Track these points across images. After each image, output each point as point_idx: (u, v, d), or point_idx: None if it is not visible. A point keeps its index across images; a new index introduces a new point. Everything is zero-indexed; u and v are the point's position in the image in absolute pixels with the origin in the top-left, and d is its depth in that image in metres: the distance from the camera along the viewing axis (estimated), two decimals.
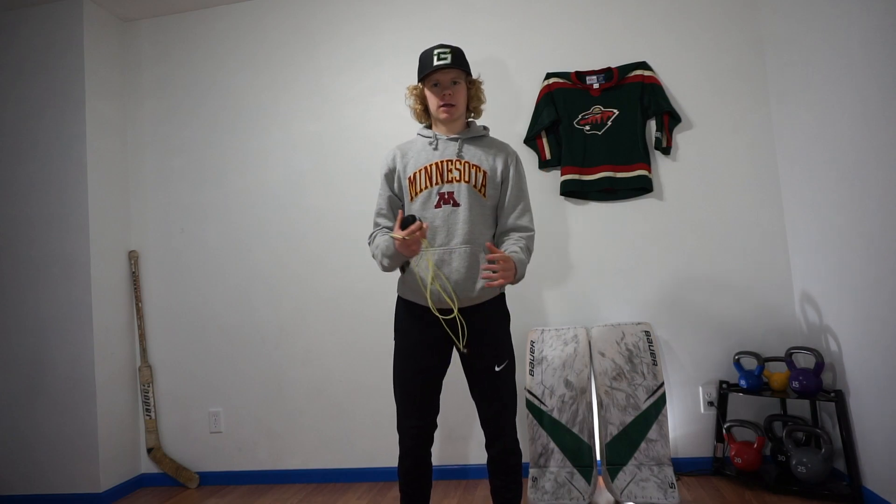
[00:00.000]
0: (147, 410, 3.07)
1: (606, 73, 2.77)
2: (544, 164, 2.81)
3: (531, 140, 2.82)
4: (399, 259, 1.78)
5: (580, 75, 2.78)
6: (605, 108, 2.76)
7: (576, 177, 2.75)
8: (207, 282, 3.10)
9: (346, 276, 2.97)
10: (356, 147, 3.00)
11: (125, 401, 3.03)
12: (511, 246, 1.78)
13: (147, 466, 3.09)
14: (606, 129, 2.75)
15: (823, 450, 2.28)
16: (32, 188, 2.96)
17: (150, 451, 3.04)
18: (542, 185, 2.83)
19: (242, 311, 3.06)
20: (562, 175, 2.77)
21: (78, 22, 2.97)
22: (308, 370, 2.99)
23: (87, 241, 2.89)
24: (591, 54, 2.83)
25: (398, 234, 1.64)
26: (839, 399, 2.25)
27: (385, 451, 2.85)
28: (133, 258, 3.13)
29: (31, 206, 2.95)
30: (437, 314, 1.77)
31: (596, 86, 2.77)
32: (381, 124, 2.98)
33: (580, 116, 2.77)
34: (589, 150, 2.76)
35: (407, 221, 1.65)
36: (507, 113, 2.87)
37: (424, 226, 1.65)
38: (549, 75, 2.81)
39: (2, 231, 2.98)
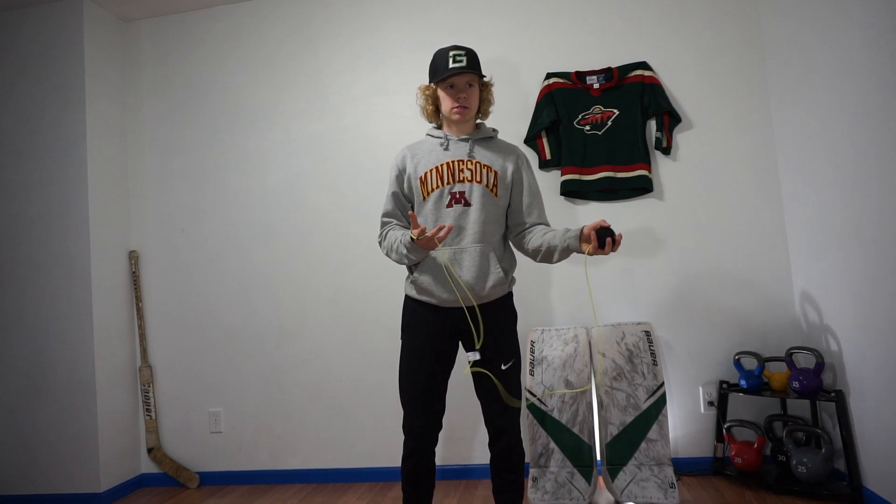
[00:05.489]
0: (147, 410, 3.07)
1: (606, 73, 2.77)
2: (544, 164, 2.81)
3: (531, 140, 2.82)
4: (421, 253, 1.76)
5: (580, 75, 2.78)
6: (605, 108, 2.76)
7: (576, 177, 2.75)
8: (207, 282, 3.10)
9: (346, 276, 2.97)
10: (356, 147, 3.00)
11: (125, 401, 3.03)
12: (554, 232, 1.78)
13: (147, 466, 3.09)
14: (607, 129, 2.75)
15: (823, 450, 2.28)
16: (32, 188, 2.96)
17: (150, 451, 3.04)
18: (542, 185, 2.81)
19: (242, 311, 3.06)
20: (562, 175, 2.77)
21: (78, 22, 2.97)
22: (308, 370, 2.99)
23: (87, 241, 2.89)
24: (591, 54, 2.83)
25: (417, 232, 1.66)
26: (839, 399, 2.25)
27: (385, 451, 2.86)
28: (133, 258, 3.13)
29: (31, 206, 2.95)
30: (464, 307, 1.77)
31: (596, 86, 2.77)
32: (381, 125, 2.98)
33: (580, 116, 2.77)
34: (589, 150, 2.76)
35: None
36: (508, 113, 2.87)
37: (446, 230, 1.66)
38: (549, 75, 2.81)
39: (2, 231, 2.98)
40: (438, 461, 2.82)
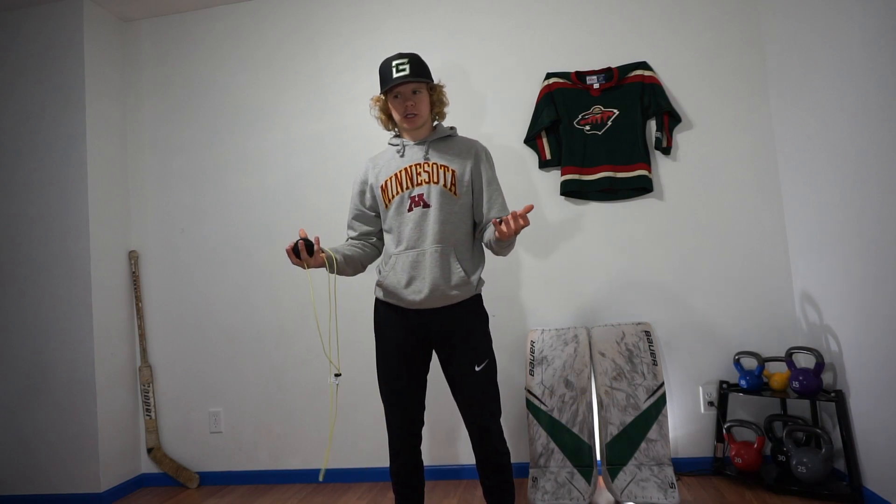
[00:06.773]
0: (147, 410, 3.07)
1: (606, 73, 2.77)
2: (544, 164, 2.81)
3: (531, 140, 2.82)
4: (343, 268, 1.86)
5: (580, 75, 2.78)
6: (605, 108, 2.76)
7: (576, 177, 2.75)
8: (207, 282, 3.10)
9: (346, 276, 2.95)
10: (356, 147, 3.00)
11: (125, 401, 3.03)
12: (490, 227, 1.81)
13: (147, 466, 3.09)
14: (606, 129, 2.75)
15: (823, 450, 2.28)
16: (32, 188, 2.96)
17: (150, 451, 3.04)
18: (542, 185, 2.83)
19: (242, 311, 3.06)
20: (562, 175, 2.77)
21: (78, 22, 2.97)
22: (308, 370, 2.98)
23: (87, 241, 2.89)
24: (591, 54, 2.83)
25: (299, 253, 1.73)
26: (839, 399, 2.25)
27: (385, 451, 2.85)
28: (133, 258, 3.13)
29: (31, 206, 2.95)
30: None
31: (596, 86, 2.77)
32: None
33: (580, 116, 2.77)
34: (589, 150, 2.76)
35: (308, 246, 1.71)
36: (507, 113, 2.88)
37: (314, 248, 1.72)
38: (549, 75, 2.81)
39: (2, 231, 2.98)
40: (436, 462, 2.82)
